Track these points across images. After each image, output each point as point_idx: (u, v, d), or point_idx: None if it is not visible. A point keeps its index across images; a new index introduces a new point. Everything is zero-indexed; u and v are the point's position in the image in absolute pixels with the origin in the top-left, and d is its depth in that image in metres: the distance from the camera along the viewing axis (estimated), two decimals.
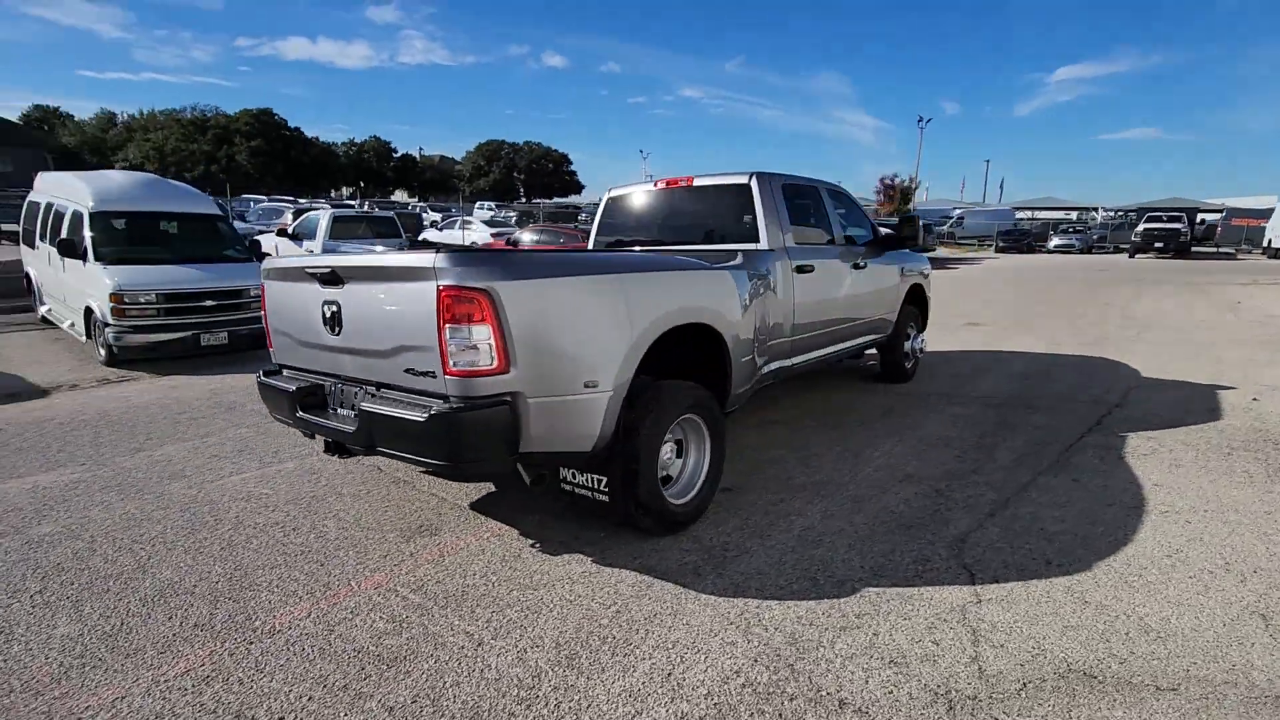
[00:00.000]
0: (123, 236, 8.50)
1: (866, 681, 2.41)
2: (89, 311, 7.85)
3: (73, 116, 64.95)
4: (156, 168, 50.09)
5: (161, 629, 2.72)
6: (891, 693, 2.36)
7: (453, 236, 23.23)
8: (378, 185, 76.49)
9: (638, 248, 5.10)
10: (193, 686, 2.39)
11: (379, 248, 11.59)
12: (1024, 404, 6.18)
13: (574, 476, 3.37)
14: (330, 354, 3.34)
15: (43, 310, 10.07)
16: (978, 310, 12.34)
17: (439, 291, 2.69)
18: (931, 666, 2.50)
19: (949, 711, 2.27)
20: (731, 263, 4.08)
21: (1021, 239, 35.78)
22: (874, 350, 6.63)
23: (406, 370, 2.92)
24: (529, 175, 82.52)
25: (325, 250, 11.85)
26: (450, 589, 3.01)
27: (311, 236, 12.66)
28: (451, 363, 2.73)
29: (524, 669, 2.48)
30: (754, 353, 4.19)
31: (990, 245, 35.95)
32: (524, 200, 66.00)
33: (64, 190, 9.09)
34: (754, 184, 4.83)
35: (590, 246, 5.85)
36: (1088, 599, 2.92)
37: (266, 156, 50.77)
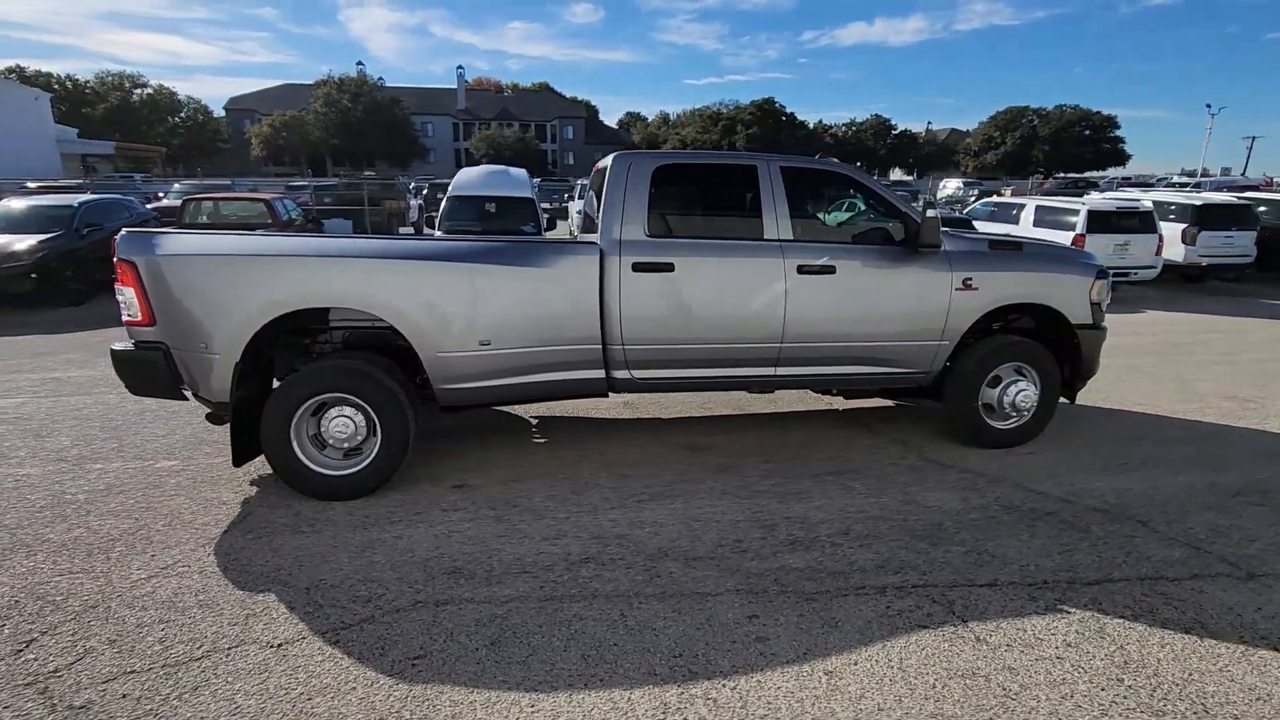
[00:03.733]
0: (460, 214, 11.74)
1: None
2: None
3: (645, 118, 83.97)
4: None
5: None
6: None
7: None
8: (870, 164, 76.85)
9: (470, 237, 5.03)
10: None
11: None
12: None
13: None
14: None
15: None
16: None
17: (115, 262, 3.75)
18: None
19: None
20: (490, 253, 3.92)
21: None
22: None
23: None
24: (1054, 145, 70.55)
25: None
26: None
27: None
28: (123, 315, 3.79)
29: None
30: (465, 351, 3.92)
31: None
32: (1041, 175, 57.55)
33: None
34: (609, 166, 4.31)
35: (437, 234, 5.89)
36: None
37: (760, 142, 56.63)
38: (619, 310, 4.14)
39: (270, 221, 12.65)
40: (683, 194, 4.41)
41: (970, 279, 4.53)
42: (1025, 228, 13.65)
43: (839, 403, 5.80)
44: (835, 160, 4.89)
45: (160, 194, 21.79)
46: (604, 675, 2.38)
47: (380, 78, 64.63)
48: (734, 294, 4.29)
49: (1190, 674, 2.42)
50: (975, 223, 14.87)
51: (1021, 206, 14.37)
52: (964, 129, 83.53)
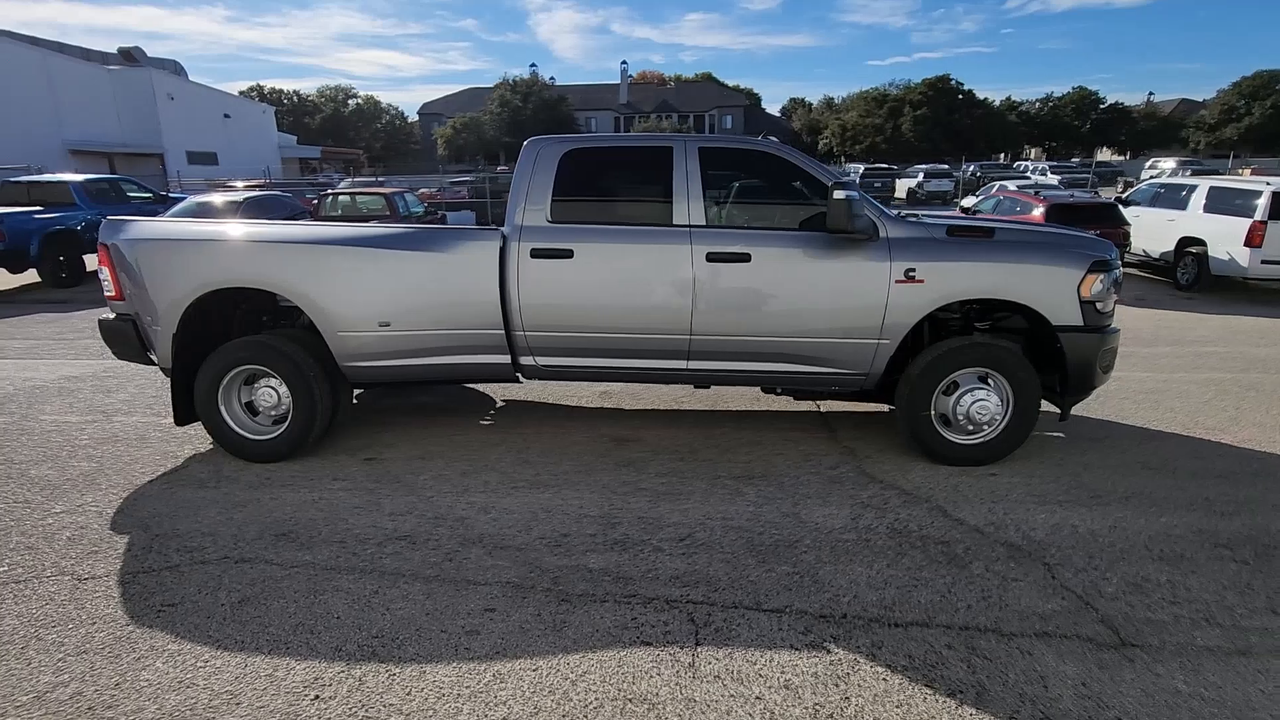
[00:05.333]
0: None
1: None
2: None
3: (809, 103, 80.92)
4: (836, 143, 58.44)
5: None
6: None
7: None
8: (1073, 143, 67.96)
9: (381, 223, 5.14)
10: None
11: None
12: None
13: None
14: None
15: None
16: None
17: (98, 245, 4.43)
18: None
19: None
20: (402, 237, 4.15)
21: None
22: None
23: None
24: None
25: None
26: None
27: None
28: (104, 290, 4.47)
29: None
30: (365, 331, 4.13)
31: None
32: None
33: None
34: (523, 152, 4.32)
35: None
36: None
37: (928, 124, 52.19)
38: (518, 297, 4.15)
39: (388, 214, 14.01)
40: (593, 179, 4.29)
41: (914, 270, 3.97)
42: (1193, 212, 11.53)
43: (824, 405, 5.35)
44: (773, 140, 4.47)
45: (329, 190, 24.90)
46: (296, 644, 2.47)
47: (552, 77, 68.34)
48: (636, 283, 4.12)
49: None
50: (1135, 207, 12.81)
51: (1192, 189, 12.14)
52: (1198, 99, 71.10)
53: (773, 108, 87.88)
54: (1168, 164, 33.61)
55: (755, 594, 2.81)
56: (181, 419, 4.34)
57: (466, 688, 2.25)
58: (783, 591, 2.82)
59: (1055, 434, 4.75)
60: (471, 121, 61.24)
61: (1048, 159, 56.89)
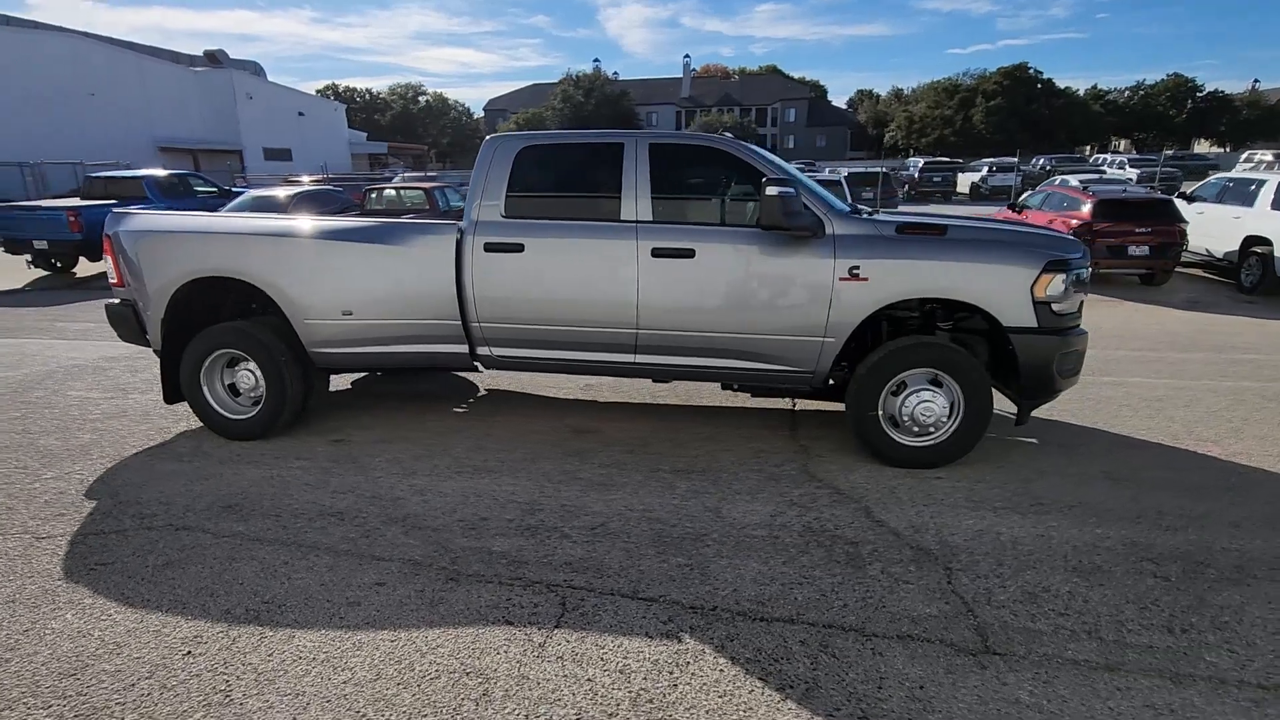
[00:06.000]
0: None
1: None
2: None
3: (877, 95, 78.62)
4: (901, 136, 56.52)
5: None
6: None
7: None
8: (1166, 134, 63.61)
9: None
10: None
11: None
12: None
13: None
14: None
15: None
16: None
17: (103, 236, 4.82)
18: None
19: None
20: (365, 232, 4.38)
21: None
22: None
23: None
24: None
25: None
26: None
27: None
28: (110, 278, 4.86)
29: None
30: (329, 319, 4.37)
31: None
32: None
33: None
34: (482, 148, 4.47)
35: None
36: None
37: (1003, 114, 49.81)
38: (473, 289, 4.31)
39: (428, 208, 14.51)
40: (547, 175, 4.39)
41: (857, 268, 3.91)
42: (1261, 209, 10.75)
43: (800, 404, 5.31)
44: (726, 137, 4.44)
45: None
46: (193, 605, 2.69)
47: (615, 72, 68.74)
48: (585, 277, 4.21)
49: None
50: (1200, 203, 12.02)
51: (1260, 184, 11.31)
52: None
53: (839, 100, 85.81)
54: (1265, 156, 31.05)
55: (637, 583, 2.86)
56: (170, 398, 4.70)
57: (324, 653, 2.41)
58: (665, 582, 2.87)
59: (1028, 439, 4.58)
60: (534, 117, 62.29)
61: (1136, 151, 53.47)
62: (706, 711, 2.12)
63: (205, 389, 4.59)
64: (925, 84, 58.38)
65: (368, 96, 61.82)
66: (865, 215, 4.22)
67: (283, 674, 2.30)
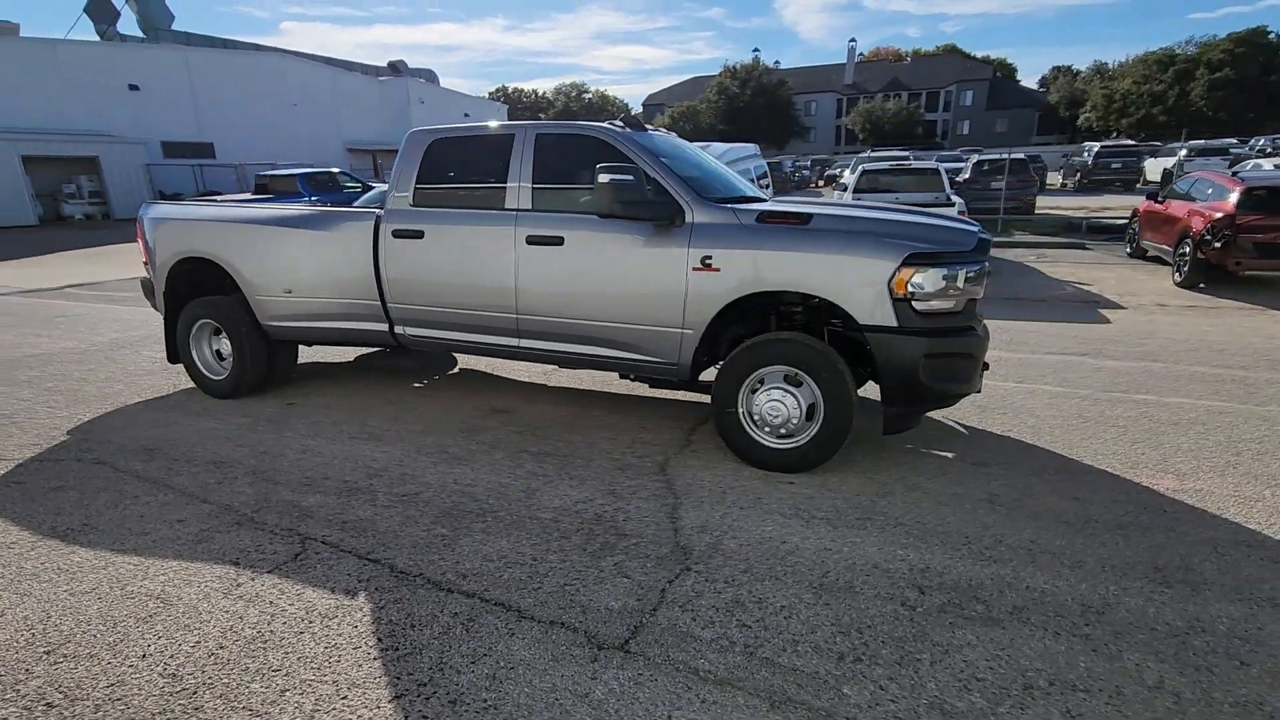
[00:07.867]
0: None
1: None
2: None
3: (1077, 71, 69.70)
4: (1097, 116, 49.61)
5: None
6: None
7: None
8: None
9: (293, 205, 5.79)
10: None
11: None
12: None
13: None
14: None
15: None
16: None
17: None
18: None
19: None
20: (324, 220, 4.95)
21: None
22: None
23: None
24: None
25: None
26: None
27: None
28: (143, 259, 5.87)
29: None
30: (273, 296, 4.95)
31: None
32: None
33: None
34: (403, 141, 4.84)
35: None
36: None
37: (1231, 88, 41.88)
38: (385, 271, 4.70)
39: None
40: (451, 166, 4.63)
41: (709, 257, 3.77)
42: None
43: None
44: (613, 126, 4.36)
45: None
46: (37, 518, 3.31)
47: (777, 61, 67.21)
48: (471, 262, 4.43)
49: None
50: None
51: None
52: None
53: (1030, 80, 77.16)
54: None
55: (377, 545, 3.06)
56: (172, 358, 5.60)
57: (80, 567, 2.88)
58: (406, 548, 3.03)
59: (945, 453, 4.12)
60: (689, 110, 62.71)
61: None
62: (300, 658, 2.30)
63: (194, 352, 5.42)
64: (1134, 57, 50.81)
65: (534, 97, 65.92)
66: (743, 205, 4.01)
67: (34, 575, 2.81)
